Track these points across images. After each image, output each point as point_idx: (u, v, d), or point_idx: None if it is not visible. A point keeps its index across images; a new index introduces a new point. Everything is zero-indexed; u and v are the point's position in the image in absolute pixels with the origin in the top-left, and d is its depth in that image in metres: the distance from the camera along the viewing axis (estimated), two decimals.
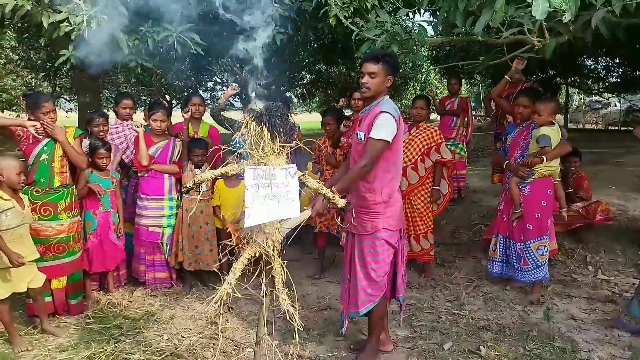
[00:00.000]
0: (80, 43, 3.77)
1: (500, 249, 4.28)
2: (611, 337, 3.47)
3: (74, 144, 3.78)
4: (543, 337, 3.48)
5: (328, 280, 4.65)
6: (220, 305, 2.30)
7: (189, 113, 4.55)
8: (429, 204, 4.58)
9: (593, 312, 3.88)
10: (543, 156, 3.90)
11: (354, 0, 4.10)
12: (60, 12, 3.91)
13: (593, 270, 4.66)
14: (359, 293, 3.04)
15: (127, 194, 4.63)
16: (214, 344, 3.39)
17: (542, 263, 4.03)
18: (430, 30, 4.88)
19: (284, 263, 2.43)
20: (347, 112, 5.22)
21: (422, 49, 4.32)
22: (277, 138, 2.33)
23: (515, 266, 4.15)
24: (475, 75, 14.92)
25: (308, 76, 14.88)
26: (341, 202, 2.67)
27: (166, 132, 4.46)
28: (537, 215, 4.01)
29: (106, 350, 3.29)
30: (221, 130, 4.91)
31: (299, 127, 5.54)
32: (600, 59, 15.26)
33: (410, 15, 5.10)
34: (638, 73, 14.26)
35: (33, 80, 16.89)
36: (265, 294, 2.49)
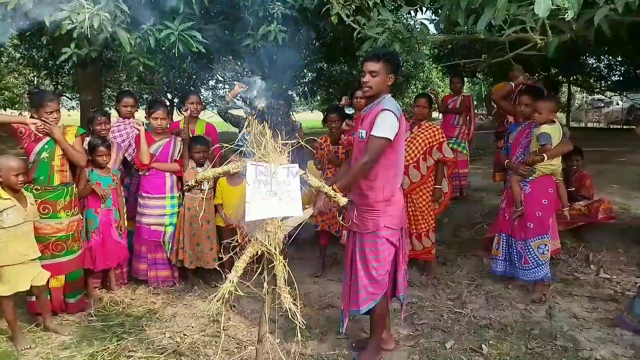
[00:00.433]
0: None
1: (504, 248, 4.28)
2: (613, 336, 3.46)
3: (76, 143, 3.77)
4: (545, 335, 3.48)
5: (330, 279, 4.65)
6: (223, 303, 2.30)
7: (189, 111, 4.56)
8: (430, 202, 4.58)
9: (595, 311, 3.88)
10: (544, 154, 3.90)
11: None
12: (62, 10, 3.91)
13: (595, 269, 4.65)
14: (360, 291, 3.04)
15: (129, 192, 4.64)
16: (216, 342, 3.39)
17: (543, 262, 4.02)
18: (432, 28, 4.88)
19: (285, 261, 2.43)
20: (350, 111, 5.22)
21: (424, 47, 4.32)
22: (279, 136, 2.34)
23: (517, 264, 4.14)
24: (477, 74, 14.90)
25: (310, 74, 14.88)
26: (343, 200, 2.67)
27: (166, 130, 4.47)
28: (538, 214, 4.01)
29: (108, 348, 3.30)
30: (220, 128, 4.91)
31: (301, 124, 5.56)
32: (602, 57, 15.21)
33: (412, 13, 5.10)
34: None
35: (35, 78, 16.91)
36: (267, 292, 2.50)
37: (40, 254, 3.45)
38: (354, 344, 3.37)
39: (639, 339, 3.39)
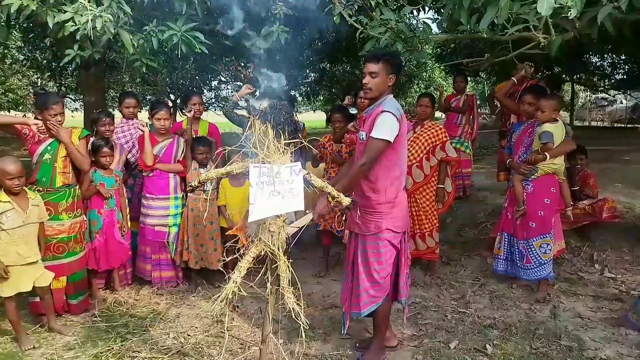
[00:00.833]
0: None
1: (505, 247, 4.27)
2: (618, 336, 3.45)
3: (80, 145, 3.78)
4: (549, 335, 3.47)
5: (333, 279, 4.65)
6: (226, 303, 2.30)
7: (192, 112, 4.56)
8: (434, 202, 4.57)
9: (600, 311, 3.86)
10: (545, 153, 3.88)
11: None
12: (65, 11, 3.92)
13: (600, 268, 4.63)
14: (361, 294, 3.03)
15: (133, 193, 4.65)
16: (219, 343, 3.40)
17: (545, 261, 4.01)
18: (434, 27, 4.87)
19: (289, 261, 2.43)
20: (354, 111, 5.22)
21: (427, 46, 4.31)
22: (282, 136, 2.33)
23: (518, 264, 4.14)
24: (480, 73, 14.87)
25: (312, 74, 14.88)
26: (346, 201, 2.67)
27: (169, 131, 4.47)
28: (540, 213, 4.00)
29: (113, 348, 3.31)
30: (223, 128, 4.91)
31: (304, 125, 5.56)
32: (606, 55, 15.17)
33: (415, 12, 5.08)
34: None
35: (39, 80, 16.97)
36: (271, 292, 2.50)
37: (41, 256, 3.45)
38: (357, 344, 3.37)
39: None
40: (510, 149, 4.35)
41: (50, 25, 3.94)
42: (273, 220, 2.38)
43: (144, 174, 4.38)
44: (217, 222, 4.47)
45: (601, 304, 3.97)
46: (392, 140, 2.84)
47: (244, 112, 4.64)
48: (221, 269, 3.39)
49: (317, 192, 2.74)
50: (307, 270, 4.78)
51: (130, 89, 14.77)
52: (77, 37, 4.01)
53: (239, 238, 2.52)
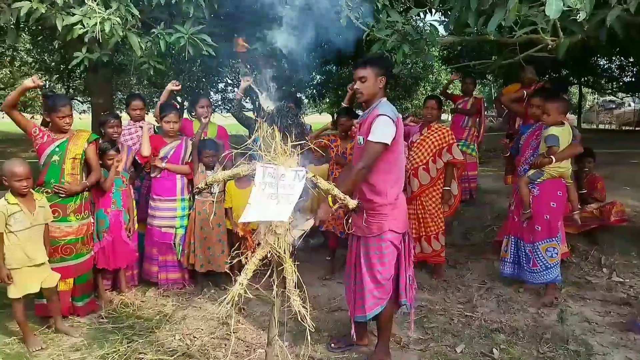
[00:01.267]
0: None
1: (512, 250, 4.25)
2: (627, 341, 3.42)
3: (89, 149, 3.80)
4: (557, 340, 3.44)
5: (339, 282, 4.63)
6: (232, 306, 2.30)
7: (208, 119, 4.56)
8: (440, 204, 4.55)
9: (608, 315, 3.83)
10: (551, 156, 3.85)
11: (365, 0, 4.09)
12: (74, 14, 3.95)
13: (608, 272, 4.60)
14: (366, 296, 3.04)
15: (140, 194, 4.66)
16: (225, 345, 3.40)
17: (552, 265, 3.98)
18: (441, 29, 4.86)
19: (295, 264, 2.43)
20: (360, 112, 5.21)
21: (434, 48, 4.30)
22: (288, 139, 2.33)
23: (525, 267, 4.11)
24: (487, 75, 14.82)
25: (318, 77, 14.90)
26: (352, 203, 2.67)
27: (178, 133, 4.49)
28: (546, 217, 3.97)
29: (119, 350, 3.32)
30: (230, 131, 4.92)
31: (311, 127, 5.56)
32: (614, 58, 15.09)
33: (422, 15, 5.07)
34: None
35: (47, 82, 17.11)
36: (277, 294, 2.49)
37: (48, 258, 3.47)
38: (332, 344, 3.37)
39: None
40: (516, 150, 4.33)
41: (59, 27, 3.97)
42: (279, 222, 2.38)
43: (151, 175, 4.40)
44: (224, 225, 4.47)
45: (609, 308, 3.94)
46: (389, 143, 2.90)
47: (250, 114, 4.64)
48: (228, 271, 3.40)
49: (323, 195, 2.74)
50: (313, 273, 4.78)
51: (137, 91, 14.85)
52: (86, 39, 4.04)
53: (248, 240, 2.52)
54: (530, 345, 3.39)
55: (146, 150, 4.28)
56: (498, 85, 18.05)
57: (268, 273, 2.46)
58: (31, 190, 3.39)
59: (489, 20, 3.24)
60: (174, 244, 4.38)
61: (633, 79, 16.73)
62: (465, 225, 5.93)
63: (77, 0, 4.07)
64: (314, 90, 15.68)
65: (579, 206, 4.48)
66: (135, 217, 4.35)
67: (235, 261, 2.53)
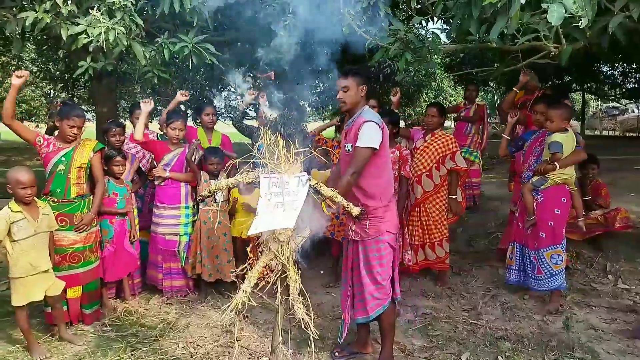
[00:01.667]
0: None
1: (517, 257, 4.23)
2: (633, 348, 3.39)
3: (95, 159, 3.82)
4: (562, 347, 3.42)
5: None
6: (236, 313, 2.30)
7: (212, 124, 4.57)
8: (444, 211, 4.54)
9: (614, 322, 3.80)
10: (555, 163, 3.85)
11: (367, 9, 4.11)
12: (78, 24, 3.99)
13: (613, 279, 4.57)
14: (367, 298, 3.08)
15: (143, 202, 4.67)
16: (229, 353, 3.39)
17: (557, 272, 3.96)
18: (443, 37, 4.88)
19: (298, 272, 2.43)
20: None
21: (436, 56, 4.32)
22: (292, 146, 2.34)
23: (530, 274, 4.09)
24: (489, 82, 14.84)
25: (321, 84, 14.92)
26: (356, 210, 2.67)
27: (182, 141, 4.51)
28: (550, 224, 3.95)
29: (123, 358, 3.31)
30: (234, 139, 4.93)
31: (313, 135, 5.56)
32: (617, 64, 15.07)
33: (424, 23, 5.10)
34: None
35: (52, 91, 17.23)
36: (280, 302, 2.49)
37: (52, 265, 3.47)
38: (336, 353, 3.36)
39: None
40: (516, 148, 4.35)
41: (64, 37, 4.01)
42: (282, 230, 2.38)
43: (155, 183, 4.41)
44: (230, 233, 4.48)
45: (615, 315, 3.92)
46: (377, 147, 2.98)
47: (253, 123, 4.65)
48: (234, 279, 3.40)
49: (326, 201, 2.74)
50: (316, 281, 4.77)
51: (139, 101, 14.90)
52: (90, 49, 4.08)
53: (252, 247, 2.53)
54: (535, 353, 3.37)
55: (138, 134, 4.28)
56: (501, 92, 18.05)
57: (272, 281, 2.46)
58: (35, 198, 3.40)
59: (491, 27, 3.25)
60: (178, 251, 4.38)
61: (636, 86, 16.70)
62: (469, 232, 5.92)
63: (82, 10, 4.12)
64: (317, 98, 15.71)
65: (584, 213, 4.46)
66: (137, 226, 4.36)
67: (239, 269, 2.53)
